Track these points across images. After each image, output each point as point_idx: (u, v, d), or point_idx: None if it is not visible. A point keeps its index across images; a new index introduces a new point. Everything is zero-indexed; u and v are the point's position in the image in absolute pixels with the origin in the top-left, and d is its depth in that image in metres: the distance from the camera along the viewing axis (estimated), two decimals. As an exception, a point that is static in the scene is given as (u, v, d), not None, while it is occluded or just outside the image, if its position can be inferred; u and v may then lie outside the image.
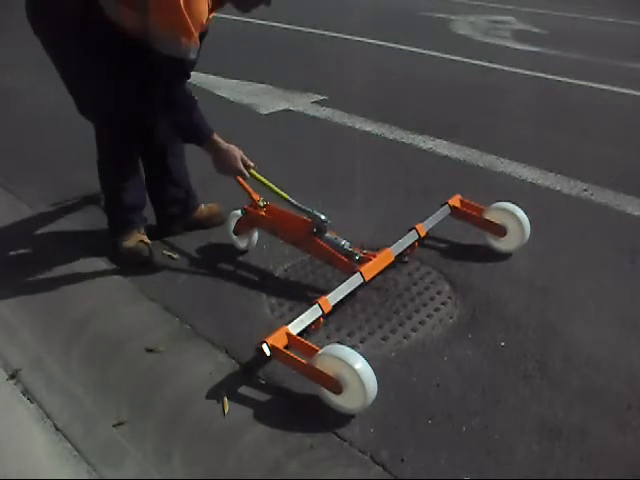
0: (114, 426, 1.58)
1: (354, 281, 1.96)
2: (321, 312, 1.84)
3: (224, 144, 2.07)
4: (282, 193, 2.15)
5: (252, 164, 2.13)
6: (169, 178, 2.44)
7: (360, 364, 1.56)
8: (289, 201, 2.13)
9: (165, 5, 1.76)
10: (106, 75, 1.99)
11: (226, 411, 1.66)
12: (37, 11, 1.93)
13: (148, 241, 2.35)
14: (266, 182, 2.15)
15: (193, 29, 1.80)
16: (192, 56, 1.87)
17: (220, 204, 2.62)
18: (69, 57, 1.99)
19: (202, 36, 1.94)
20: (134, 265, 2.28)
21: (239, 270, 2.31)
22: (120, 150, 2.25)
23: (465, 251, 2.46)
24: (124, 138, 2.22)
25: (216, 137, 2.06)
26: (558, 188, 3.09)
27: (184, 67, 1.91)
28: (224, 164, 2.08)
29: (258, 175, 2.15)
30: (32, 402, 1.58)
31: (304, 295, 2.13)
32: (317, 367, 1.61)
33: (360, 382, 1.55)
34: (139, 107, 2.10)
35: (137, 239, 2.32)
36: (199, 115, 2.02)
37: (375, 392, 1.58)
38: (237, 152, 2.09)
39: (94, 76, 1.99)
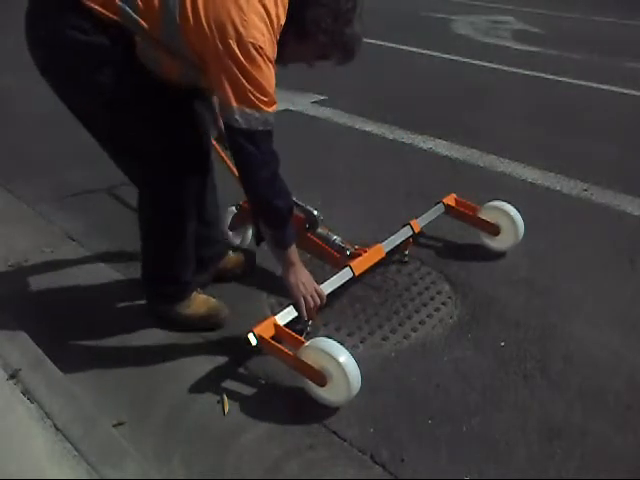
0: (114, 426, 1.58)
1: (344, 275, 1.97)
2: None
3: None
4: None
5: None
6: (203, 215, 1.98)
7: (344, 357, 1.57)
8: None
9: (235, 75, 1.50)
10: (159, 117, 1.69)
11: (226, 411, 1.66)
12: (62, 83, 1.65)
13: (213, 299, 2.02)
14: None
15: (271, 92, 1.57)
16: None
17: (248, 252, 2.30)
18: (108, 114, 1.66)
19: None
20: (205, 330, 1.96)
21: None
22: (188, 195, 1.81)
23: (465, 251, 2.46)
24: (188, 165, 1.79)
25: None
26: (558, 188, 3.09)
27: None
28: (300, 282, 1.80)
29: None
30: (32, 402, 1.58)
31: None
32: (302, 359, 1.62)
33: (344, 375, 1.56)
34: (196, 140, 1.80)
35: (203, 301, 1.99)
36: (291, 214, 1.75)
37: (359, 385, 1.59)
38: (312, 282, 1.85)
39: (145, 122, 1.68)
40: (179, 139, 1.73)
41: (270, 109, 1.58)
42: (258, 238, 1.90)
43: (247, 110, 1.54)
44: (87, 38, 1.52)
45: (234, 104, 1.53)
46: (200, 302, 1.99)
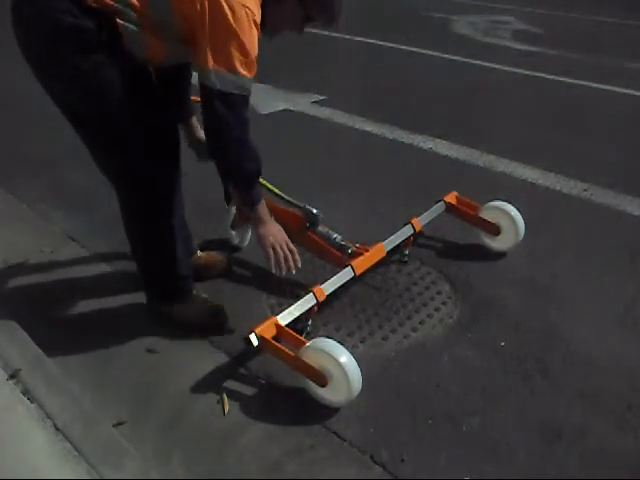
0: (114, 426, 1.58)
1: (345, 275, 1.98)
2: (315, 302, 1.85)
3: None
4: (272, 188, 2.13)
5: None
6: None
7: (345, 358, 1.57)
8: (280, 196, 2.12)
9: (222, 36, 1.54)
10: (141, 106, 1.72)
11: (226, 411, 1.66)
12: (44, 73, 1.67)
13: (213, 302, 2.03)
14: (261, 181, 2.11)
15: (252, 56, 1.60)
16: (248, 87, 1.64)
17: (224, 252, 2.34)
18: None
19: None
20: (205, 332, 1.97)
21: (238, 270, 2.31)
22: (167, 186, 1.83)
23: (465, 251, 2.46)
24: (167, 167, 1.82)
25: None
26: (558, 188, 3.09)
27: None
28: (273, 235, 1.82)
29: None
30: (32, 402, 1.58)
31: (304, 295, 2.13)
32: (303, 359, 1.62)
33: (345, 375, 1.56)
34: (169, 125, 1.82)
35: (203, 301, 2.01)
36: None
37: (360, 386, 1.59)
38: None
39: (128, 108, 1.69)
40: (154, 122, 1.74)
41: (248, 74, 1.60)
42: (227, 198, 1.91)
43: (223, 72, 1.56)
44: (75, 21, 1.54)
45: (211, 66, 1.56)
46: (200, 302, 2.00)
